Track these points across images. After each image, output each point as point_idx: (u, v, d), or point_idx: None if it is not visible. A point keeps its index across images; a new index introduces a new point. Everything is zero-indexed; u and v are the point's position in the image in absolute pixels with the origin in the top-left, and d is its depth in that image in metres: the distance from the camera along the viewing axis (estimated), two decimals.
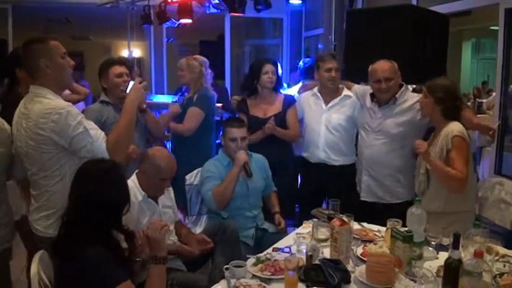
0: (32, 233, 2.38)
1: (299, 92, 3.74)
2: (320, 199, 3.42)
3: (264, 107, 3.60)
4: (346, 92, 3.51)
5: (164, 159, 2.59)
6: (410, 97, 3.19)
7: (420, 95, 3.05)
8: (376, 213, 3.12)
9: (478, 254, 1.83)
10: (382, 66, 3.14)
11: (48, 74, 2.22)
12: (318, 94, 3.55)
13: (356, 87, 3.54)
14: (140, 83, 2.38)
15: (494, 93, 5.28)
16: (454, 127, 2.75)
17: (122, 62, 3.22)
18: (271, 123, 3.41)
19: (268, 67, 3.54)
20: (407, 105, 3.15)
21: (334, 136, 3.45)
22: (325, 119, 3.48)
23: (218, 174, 3.06)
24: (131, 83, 2.47)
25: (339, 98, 3.49)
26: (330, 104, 3.49)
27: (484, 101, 8.87)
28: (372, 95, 3.28)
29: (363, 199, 3.30)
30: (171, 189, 2.85)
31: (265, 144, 3.44)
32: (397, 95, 3.16)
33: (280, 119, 3.50)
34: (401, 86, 3.19)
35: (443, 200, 2.78)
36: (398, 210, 2.93)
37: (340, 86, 3.54)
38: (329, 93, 3.50)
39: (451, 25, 4.01)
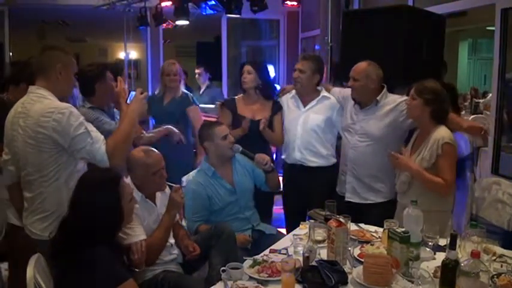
0: (17, 248, 2.39)
1: (278, 96, 3.75)
2: (301, 201, 3.43)
3: (253, 109, 3.61)
4: (324, 93, 3.52)
5: (145, 154, 2.58)
6: (392, 99, 3.20)
7: (403, 97, 3.07)
8: (360, 212, 3.12)
9: (474, 255, 1.83)
10: (357, 66, 3.19)
11: (57, 79, 2.28)
12: (296, 96, 3.57)
13: (337, 89, 3.58)
14: (141, 93, 2.43)
15: (490, 94, 5.29)
16: (444, 133, 2.76)
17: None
18: (263, 122, 3.42)
19: (245, 68, 3.61)
20: (390, 107, 3.17)
21: (310, 137, 3.46)
22: (303, 120, 3.49)
23: (201, 194, 3.03)
24: (132, 93, 2.52)
25: (316, 99, 3.49)
26: (308, 106, 3.50)
27: (481, 101, 8.89)
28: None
29: (348, 199, 3.30)
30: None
31: (245, 146, 3.42)
32: (378, 97, 3.18)
33: (269, 123, 3.52)
34: (382, 88, 3.21)
35: (424, 200, 2.75)
36: (381, 209, 3.05)
37: (319, 87, 3.54)
38: (307, 95, 3.51)
39: (448, 25, 4.02)
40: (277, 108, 3.62)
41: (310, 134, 3.46)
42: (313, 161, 3.47)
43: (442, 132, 2.77)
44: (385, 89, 3.21)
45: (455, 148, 2.82)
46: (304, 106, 3.52)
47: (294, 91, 3.60)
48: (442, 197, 2.80)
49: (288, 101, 3.61)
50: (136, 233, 2.35)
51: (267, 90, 3.65)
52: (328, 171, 3.47)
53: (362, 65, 3.17)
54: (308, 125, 3.47)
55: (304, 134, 3.47)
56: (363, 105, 3.24)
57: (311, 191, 3.40)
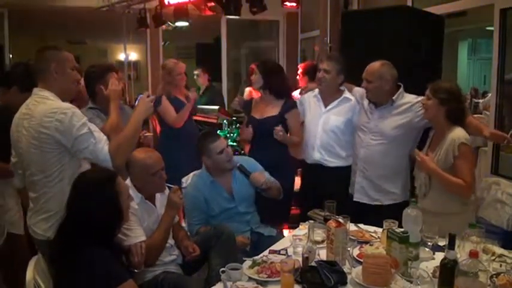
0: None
1: (301, 94, 3.74)
2: (317, 200, 3.41)
3: (262, 108, 3.61)
4: (346, 94, 3.48)
5: (145, 155, 2.58)
6: (408, 99, 3.15)
7: (419, 97, 3.03)
8: (370, 214, 3.10)
9: (473, 254, 1.83)
10: (370, 66, 3.14)
11: (54, 79, 2.29)
12: (319, 96, 3.53)
13: (356, 89, 3.51)
14: (148, 96, 2.45)
15: (490, 94, 5.29)
16: (460, 133, 2.70)
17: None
18: (279, 129, 3.39)
19: (254, 70, 3.62)
20: (406, 107, 3.12)
21: (329, 138, 3.43)
22: (323, 121, 3.46)
23: (198, 198, 3.04)
24: (140, 96, 2.55)
25: (337, 100, 3.46)
26: (329, 106, 3.47)
27: (481, 101, 8.90)
28: None
29: (356, 200, 3.28)
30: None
31: (262, 147, 3.44)
32: (394, 97, 3.14)
33: (276, 122, 3.47)
34: (398, 87, 3.16)
35: (444, 202, 2.75)
36: (393, 211, 2.91)
37: (342, 88, 3.51)
38: (328, 95, 3.48)
39: (447, 26, 4.03)
40: (288, 106, 3.56)
41: (330, 135, 3.44)
42: (332, 162, 3.45)
43: (457, 133, 2.71)
44: (401, 89, 3.16)
45: (472, 148, 2.77)
46: (326, 106, 3.48)
47: (317, 90, 3.57)
48: (462, 199, 2.75)
49: (310, 99, 3.59)
50: (136, 234, 2.36)
51: (276, 90, 3.59)
52: (348, 171, 3.44)
53: (375, 66, 3.12)
54: (328, 126, 3.44)
55: (324, 135, 3.45)
56: (378, 104, 3.20)
57: (329, 191, 3.34)
